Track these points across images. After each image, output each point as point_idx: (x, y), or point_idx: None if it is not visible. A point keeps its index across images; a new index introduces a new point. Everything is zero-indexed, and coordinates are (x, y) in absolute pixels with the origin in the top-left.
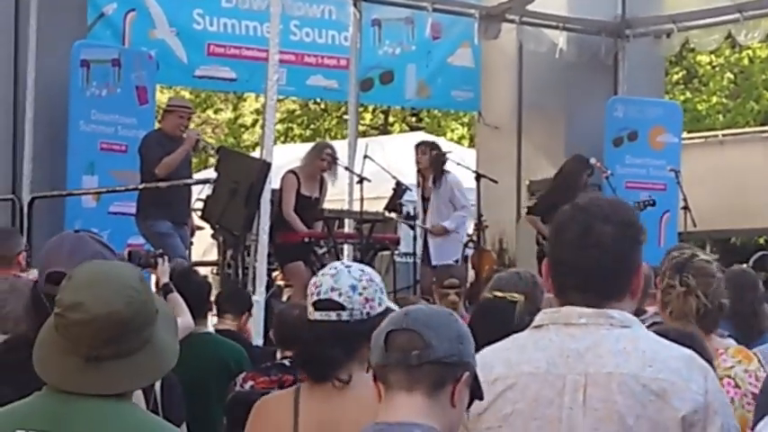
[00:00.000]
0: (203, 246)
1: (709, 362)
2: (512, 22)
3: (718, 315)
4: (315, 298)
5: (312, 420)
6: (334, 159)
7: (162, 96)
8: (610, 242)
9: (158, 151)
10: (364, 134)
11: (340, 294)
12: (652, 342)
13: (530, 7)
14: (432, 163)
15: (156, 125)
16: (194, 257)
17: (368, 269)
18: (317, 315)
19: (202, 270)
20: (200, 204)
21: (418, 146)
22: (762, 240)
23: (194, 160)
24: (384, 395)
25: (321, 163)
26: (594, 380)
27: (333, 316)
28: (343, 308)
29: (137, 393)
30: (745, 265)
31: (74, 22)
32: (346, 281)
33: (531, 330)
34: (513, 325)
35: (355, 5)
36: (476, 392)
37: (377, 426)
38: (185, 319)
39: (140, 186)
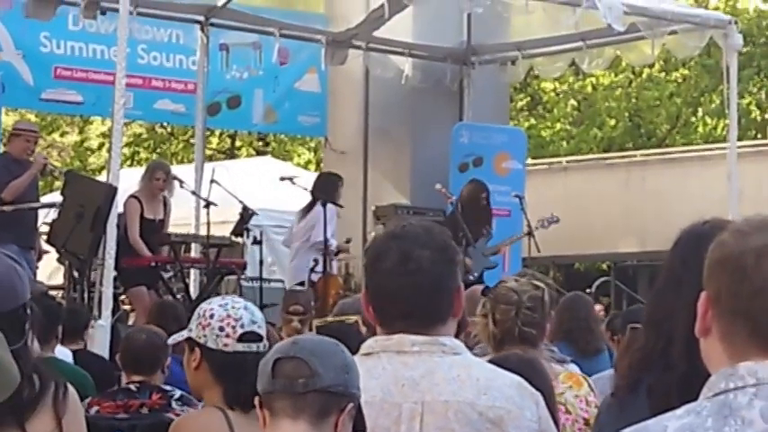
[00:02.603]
0: (49, 269)
1: (550, 386)
2: (358, 48)
3: (534, 340)
4: (240, 330)
5: None
6: (167, 175)
7: (7, 119)
8: (429, 266)
9: (5, 175)
10: (211, 158)
11: (259, 327)
12: (484, 369)
13: (376, 33)
14: None
15: (1, 148)
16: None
17: None
18: (241, 347)
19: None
20: (46, 228)
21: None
22: (604, 266)
23: (41, 183)
24: (269, 422)
25: (156, 183)
26: (431, 408)
27: (254, 347)
28: (261, 339)
29: None
30: (587, 290)
31: None
32: (258, 314)
33: (360, 357)
34: (355, 346)
35: (202, 30)
36: (358, 424)
37: None
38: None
39: None
